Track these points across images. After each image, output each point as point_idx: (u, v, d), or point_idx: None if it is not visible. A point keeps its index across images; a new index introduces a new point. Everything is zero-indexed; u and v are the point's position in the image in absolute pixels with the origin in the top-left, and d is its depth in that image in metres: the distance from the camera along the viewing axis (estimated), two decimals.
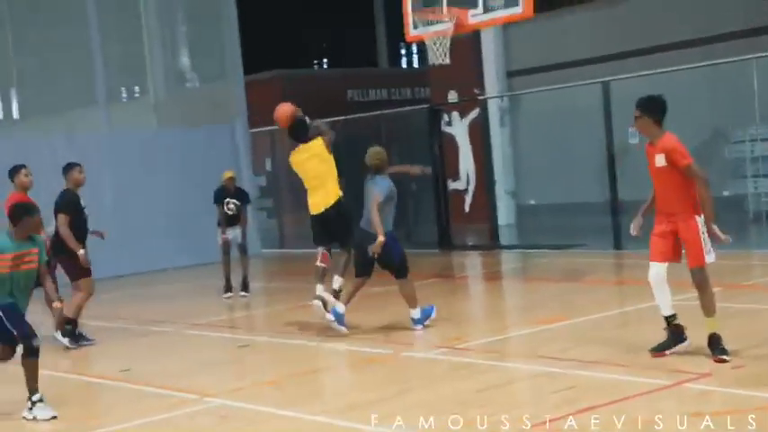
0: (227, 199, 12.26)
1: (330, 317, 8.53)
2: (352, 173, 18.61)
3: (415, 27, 11.22)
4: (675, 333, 6.72)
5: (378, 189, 8.38)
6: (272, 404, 6.47)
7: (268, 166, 19.79)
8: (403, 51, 33.03)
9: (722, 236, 6.48)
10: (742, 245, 12.61)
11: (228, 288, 12.15)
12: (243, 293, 12.17)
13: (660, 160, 6.58)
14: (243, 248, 12.32)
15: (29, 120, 17.65)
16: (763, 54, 13.08)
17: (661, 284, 6.70)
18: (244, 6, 18.39)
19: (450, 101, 19.26)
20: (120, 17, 17.21)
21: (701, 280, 6.53)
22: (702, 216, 6.51)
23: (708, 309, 6.56)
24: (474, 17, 10.75)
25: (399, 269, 8.59)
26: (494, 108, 18.14)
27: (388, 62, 29.40)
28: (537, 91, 17.26)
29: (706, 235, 6.50)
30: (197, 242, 16.37)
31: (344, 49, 33.83)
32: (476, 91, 18.58)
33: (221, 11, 17.75)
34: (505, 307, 9.88)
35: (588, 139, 14.37)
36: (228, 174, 12.46)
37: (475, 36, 18.18)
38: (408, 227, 17.00)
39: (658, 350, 6.71)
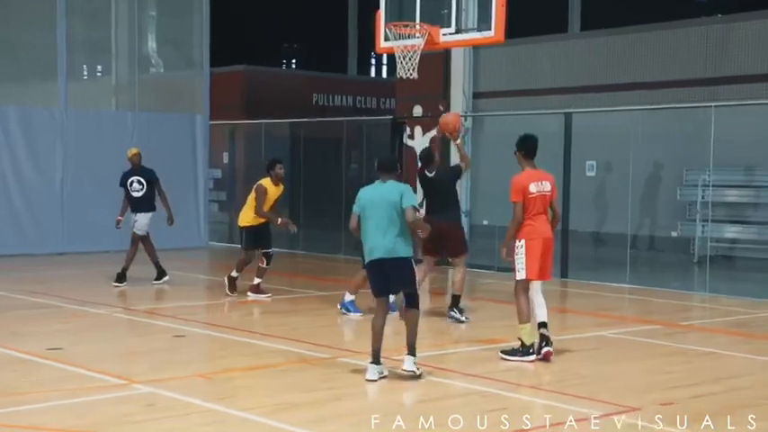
0: (132, 178, 11.87)
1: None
2: (312, 173, 18.55)
3: (387, 39, 11.18)
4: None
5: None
6: (200, 397, 6.37)
7: (225, 159, 19.64)
8: (373, 61, 33.07)
9: (504, 254, 7.77)
10: (684, 286, 12.83)
11: (123, 276, 11.83)
12: (157, 281, 12.05)
13: None
14: (141, 236, 11.95)
15: None
16: (723, 103, 13.32)
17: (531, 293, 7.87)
18: None
19: (414, 115, 19.29)
20: None
21: (515, 290, 7.80)
22: (523, 241, 7.66)
23: (519, 317, 7.73)
24: (445, 36, 10.72)
25: None
26: None
27: (358, 70, 29.38)
28: (501, 114, 17.35)
29: (522, 257, 7.65)
30: None
31: (314, 52, 33.77)
32: (440, 108, 18.63)
33: (193, 0, 17.60)
34: (447, 324, 9.88)
35: (546, 167, 14.46)
36: (134, 150, 12.05)
37: (445, 54, 18.22)
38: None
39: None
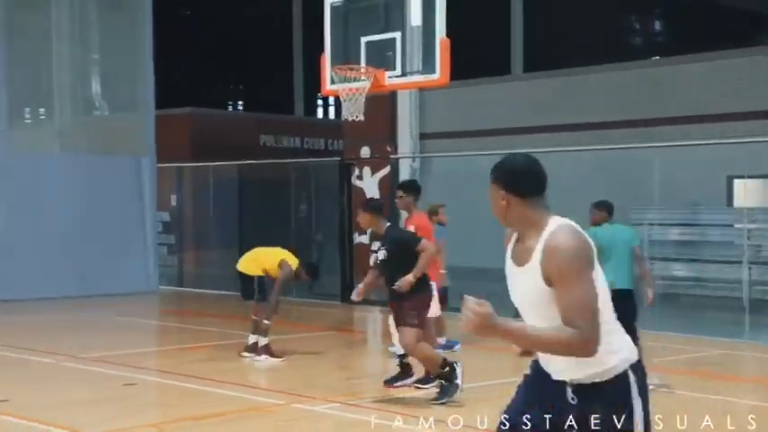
0: None
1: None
2: (261, 215, 18.50)
3: (332, 82, 11.22)
4: (405, 370, 8.16)
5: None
6: None
7: (173, 201, 19.47)
8: (320, 102, 33.20)
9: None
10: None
11: None
12: None
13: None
14: None
15: None
16: (665, 144, 13.64)
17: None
18: (160, 39, 18.18)
19: (362, 156, 19.38)
20: (30, 38, 16.77)
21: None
22: (433, 281, 8.31)
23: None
24: (391, 79, 10.81)
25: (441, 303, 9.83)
26: (405, 167, 18.33)
27: (304, 111, 29.47)
28: (448, 155, 17.53)
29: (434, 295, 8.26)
30: (88, 273, 15.92)
31: (260, 93, 33.81)
32: (388, 149, 18.76)
33: (136, 41, 17.51)
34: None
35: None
36: None
37: (391, 95, 18.40)
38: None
39: (390, 382, 8.12)
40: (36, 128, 18.68)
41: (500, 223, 3.42)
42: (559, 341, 3.17)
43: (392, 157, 17.79)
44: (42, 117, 19.08)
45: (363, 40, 10.71)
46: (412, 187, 8.66)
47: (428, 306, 8.04)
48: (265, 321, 9.63)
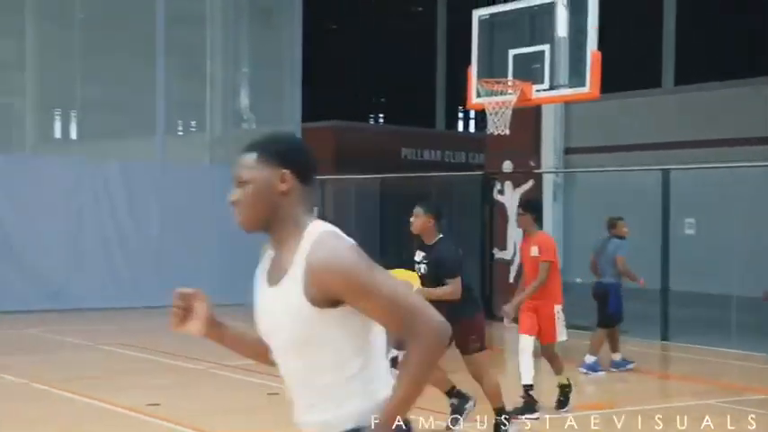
0: None
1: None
2: (399, 228, 18.58)
3: (478, 95, 11.12)
4: (528, 403, 7.73)
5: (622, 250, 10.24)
6: None
7: (315, 213, 19.79)
8: (460, 115, 33.14)
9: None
10: None
11: None
12: None
13: (534, 251, 7.96)
14: None
15: (85, 142, 17.92)
16: None
17: (527, 353, 7.79)
18: (305, 53, 18.56)
19: (504, 170, 19.16)
20: (185, 55, 17.51)
21: (551, 353, 8.07)
22: (560, 306, 7.96)
23: (557, 370, 8.11)
24: (539, 92, 10.61)
25: (608, 318, 10.12)
26: (548, 182, 18.00)
27: (445, 124, 29.45)
28: (595, 171, 17.09)
29: (563, 321, 7.98)
30: (236, 282, 16.32)
31: (401, 106, 34.07)
32: (531, 163, 18.48)
33: (285, 57, 17.95)
34: (539, 387, 9.60)
35: (641, 224, 14.15)
36: None
37: (536, 108, 18.12)
38: None
39: (513, 414, 7.41)
40: (188, 140, 19.45)
41: (246, 227, 2.58)
42: (415, 365, 2.49)
43: (535, 171, 17.50)
44: (193, 129, 19.86)
45: (511, 52, 10.58)
46: (532, 206, 8.44)
47: (482, 328, 7.24)
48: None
